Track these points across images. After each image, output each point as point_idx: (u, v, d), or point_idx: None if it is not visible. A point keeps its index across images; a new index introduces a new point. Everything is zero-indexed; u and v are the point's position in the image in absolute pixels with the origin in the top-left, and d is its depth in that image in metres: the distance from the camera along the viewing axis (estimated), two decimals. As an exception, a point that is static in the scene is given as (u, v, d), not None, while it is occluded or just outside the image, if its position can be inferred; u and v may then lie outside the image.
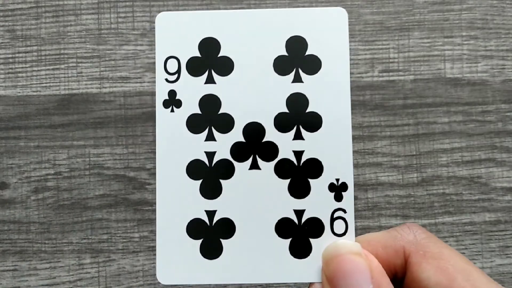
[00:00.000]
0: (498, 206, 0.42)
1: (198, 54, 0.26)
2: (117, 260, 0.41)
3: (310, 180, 0.25)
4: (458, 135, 0.42)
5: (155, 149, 0.40)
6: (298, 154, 0.25)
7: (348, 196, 0.25)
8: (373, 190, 0.42)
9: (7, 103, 0.41)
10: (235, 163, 0.25)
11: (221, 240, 0.25)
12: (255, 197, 0.25)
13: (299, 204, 0.25)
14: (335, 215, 0.25)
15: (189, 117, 0.25)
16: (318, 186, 0.25)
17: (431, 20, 0.42)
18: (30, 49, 0.41)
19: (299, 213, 0.25)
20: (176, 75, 0.26)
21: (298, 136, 0.25)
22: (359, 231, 0.40)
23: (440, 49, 0.42)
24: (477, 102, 0.42)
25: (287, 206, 0.25)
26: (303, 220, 0.25)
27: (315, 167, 0.25)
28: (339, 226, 0.25)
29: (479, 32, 0.43)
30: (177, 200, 0.25)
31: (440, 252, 0.23)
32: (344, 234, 0.25)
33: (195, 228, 0.25)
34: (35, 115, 0.41)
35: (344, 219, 0.25)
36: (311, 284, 0.25)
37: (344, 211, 0.25)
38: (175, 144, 0.25)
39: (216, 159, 0.25)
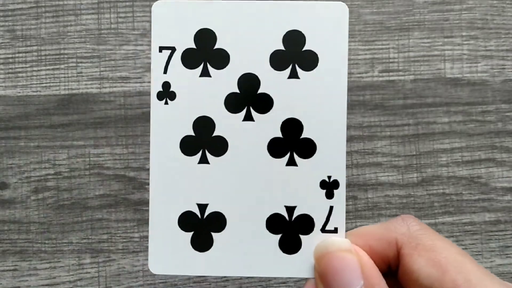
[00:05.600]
0: (498, 206, 0.42)
1: (193, 46, 0.25)
2: (117, 260, 0.41)
3: (302, 178, 0.25)
4: (458, 135, 0.42)
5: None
6: (293, 151, 0.25)
7: (340, 193, 0.25)
8: (373, 190, 0.42)
9: (7, 103, 0.41)
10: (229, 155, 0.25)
11: (212, 233, 0.25)
12: (247, 191, 0.25)
13: (290, 200, 0.25)
14: (326, 212, 0.25)
15: (183, 111, 0.25)
16: (310, 182, 0.25)
17: (431, 20, 0.42)
18: (30, 49, 0.41)
19: (290, 209, 0.25)
20: (171, 67, 0.25)
21: (293, 134, 0.25)
22: (359, 231, 0.40)
23: (440, 49, 0.42)
24: (477, 102, 0.42)
25: (278, 202, 0.25)
26: (294, 216, 0.25)
27: (309, 164, 0.25)
28: (329, 223, 0.25)
29: (479, 32, 0.43)
30: (170, 193, 0.25)
31: (433, 244, 0.23)
32: (334, 231, 0.25)
33: (186, 221, 0.25)
34: (35, 115, 0.41)
35: (334, 216, 0.25)
36: (306, 280, 0.25)
37: (335, 208, 0.25)
38: (169, 137, 0.25)
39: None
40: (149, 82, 0.41)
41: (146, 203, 0.41)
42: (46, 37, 0.41)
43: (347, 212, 0.40)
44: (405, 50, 0.42)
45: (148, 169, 0.41)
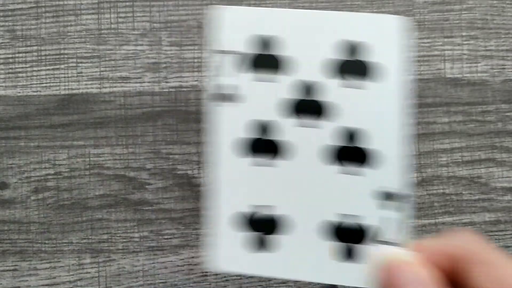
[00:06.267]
0: (498, 206, 0.42)
1: (254, 51, 0.26)
2: (117, 260, 0.41)
3: (364, 187, 0.25)
4: (458, 135, 0.42)
5: (156, 149, 0.40)
6: (354, 160, 0.25)
7: (403, 205, 0.25)
8: (373, 190, 0.42)
9: (7, 103, 0.41)
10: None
11: (270, 235, 0.25)
12: (306, 196, 0.25)
13: (350, 209, 0.25)
14: (388, 223, 0.25)
15: (241, 114, 0.26)
16: (371, 192, 0.25)
17: (431, 20, 0.42)
18: (30, 49, 0.41)
19: (350, 218, 0.25)
20: (232, 71, 0.26)
21: (355, 143, 0.25)
22: (359, 231, 0.40)
23: (440, 49, 0.42)
24: (477, 102, 0.42)
25: (337, 210, 0.25)
26: (354, 225, 0.25)
27: (371, 175, 0.25)
28: (391, 235, 0.25)
29: (479, 32, 0.43)
30: (229, 194, 0.26)
31: (494, 259, 0.22)
32: (395, 243, 0.25)
33: (246, 221, 0.26)
34: (35, 115, 0.41)
35: (396, 228, 0.25)
36: None
37: (398, 220, 0.25)
38: (228, 140, 0.26)
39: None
40: (149, 82, 0.41)
41: (146, 203, 0.41)
42: (46, 37, 0.41)
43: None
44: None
45: (148, 169, 0.41)
